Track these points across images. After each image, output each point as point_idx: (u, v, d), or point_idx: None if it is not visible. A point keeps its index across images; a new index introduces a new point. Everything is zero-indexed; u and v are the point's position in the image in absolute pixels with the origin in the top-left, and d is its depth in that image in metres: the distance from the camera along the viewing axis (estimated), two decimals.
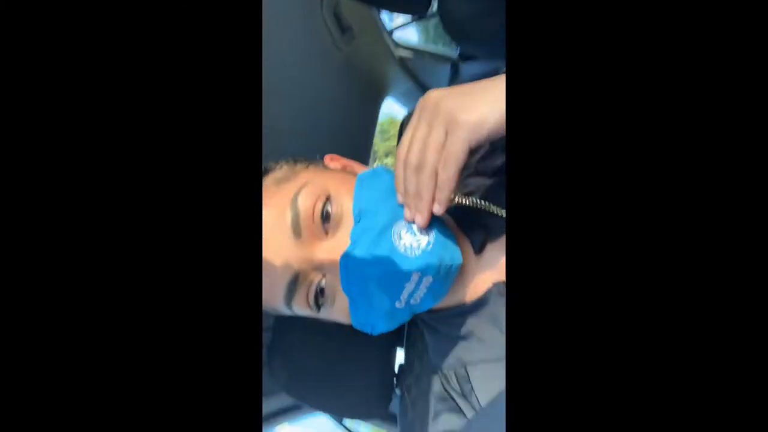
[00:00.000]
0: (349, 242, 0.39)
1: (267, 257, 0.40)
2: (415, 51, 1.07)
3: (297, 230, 0.40)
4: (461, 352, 0.45)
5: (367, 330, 0.43)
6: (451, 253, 0.40)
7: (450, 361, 0.46)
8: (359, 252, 0.38)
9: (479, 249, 0.45)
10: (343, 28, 0.81)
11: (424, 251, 0.38)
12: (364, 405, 0.60)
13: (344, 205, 0.41)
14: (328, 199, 0.41)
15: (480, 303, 0.44)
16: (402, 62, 1.06)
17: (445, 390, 0.46)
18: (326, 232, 0.41)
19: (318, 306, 0.41)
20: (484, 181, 0.48)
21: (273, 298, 0.42)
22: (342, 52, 0.81)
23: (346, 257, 0.38)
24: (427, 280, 0.39)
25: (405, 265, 0.38)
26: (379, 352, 0.61)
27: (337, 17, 0.80)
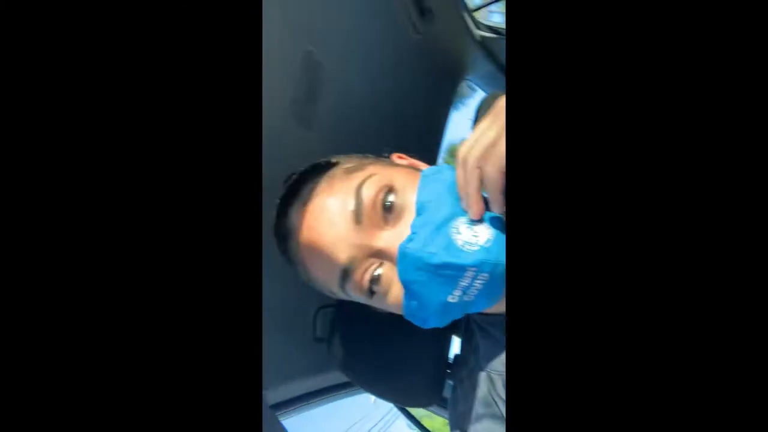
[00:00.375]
0: (409, 233, 0.40)
1: (327, 240, 0.42)
2: (498, 32, 1.02)
3: (359, 217, 0.42)
4: None
5: (419, 323, 0.44)
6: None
7: (498, 366, 0.47)
8: (417, 242, 0.39)
9: None
10: (423, 9, 0.78)
11: (481, 247, 0.39)
12: (415, 392, 0.61)
13: (407, 198, 0.43)
14: (391, 190, 0.43)
15: None
16: (483, 43, 1.01)
17: (491, 394, 0.47)
18: (387, 223, 0.43)
19: (372, 293, 0.43)
20: None
21: (329, 280, 0.45)
22: (420, 36, 0.79)
23: (405, 246, 0.40)
24: (483, 277, 0.39)
25: (461, 260, 0.38)
26: (435, 342, 0.61)
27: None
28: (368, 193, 0.43)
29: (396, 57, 0.77)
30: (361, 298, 0.45)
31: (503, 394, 0.45)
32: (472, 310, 0.43)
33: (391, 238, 0.42)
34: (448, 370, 0.62)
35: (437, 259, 0.39)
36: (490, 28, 1.02)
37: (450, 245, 0.39)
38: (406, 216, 0.43)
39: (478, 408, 0.47)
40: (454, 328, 0.62)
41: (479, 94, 1.12)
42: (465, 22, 0.94)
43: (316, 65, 0.60)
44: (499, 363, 0.47)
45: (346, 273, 0.43)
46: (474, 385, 0.51)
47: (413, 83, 0.83)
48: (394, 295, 0.43)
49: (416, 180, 0.44)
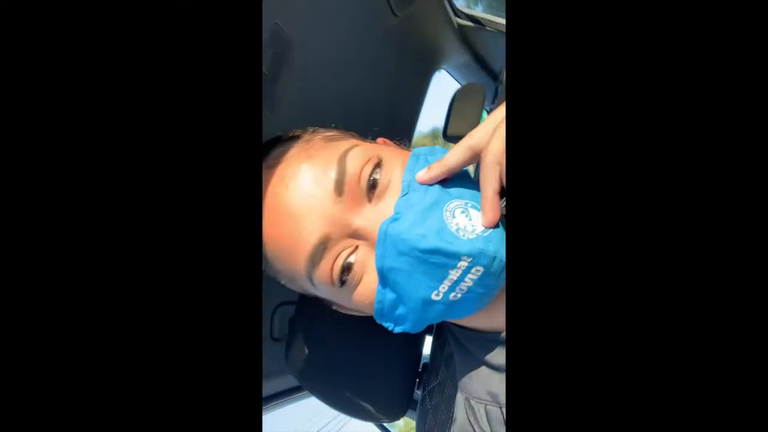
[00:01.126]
0: (389, 214, 0.35)
1: (299, 213, 0.36)
2: (477, 21, 0.99)
3: (339, 188, 0.36)
4: (494, 385, 0.41)
5: (389, 325, 0.39)
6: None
7: (478, 390, 0.43)
8: (403, 224, 0.34)
9: None
10: None
11: (479, 236, 0.34)
12: (381, 407, 0.56)
13: (394, 175, 0.37)
14: (378, 164, 0.37)
15: None
16: (462, 32, 0.98)
17: (470, 423, 0.42)
18: (369, 200, 0.37)
19: (342, 282, 0.37)
20: None
21: (295, 262, 0.37)
22: (397, 17, 0.74)
23: (387, 227, 0.34)
24: (477, 270, 0.34)
25: (454, 247, 0.33)
26: (406, 348, 0.57)
27: None
28: (353, 163, 0.36)
29: (371, 39, 0.72)
30: (327, 289, 0.38)
31: (487, 428, 0.41)
32: (454, 315, 0.38)
33: (373, 216, 0.36)
34: (418, 379, 0.58)
35: (426, 243, 0.33)
36: (469, 17, 0.99)
37: (443, 229, 0.34)
38: (391, 195, 0.37)
39: None
40: (422, 338, 0.59)
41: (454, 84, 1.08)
42: (444, 8, 0.90)
43: (284, 41, 0.55)
44: (483, 390, 0.42)
45: (317, 253, 0.36)
46: (448, 405, 0.46)
47: (387, 68, 0.78)
48: (366, 287, 0.37)
49: (405, 158, 0.38)
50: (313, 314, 0.56)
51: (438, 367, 0.52)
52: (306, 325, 0.56)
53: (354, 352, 0.55)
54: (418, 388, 0.57)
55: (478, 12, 0.99)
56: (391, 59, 0.78)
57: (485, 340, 0.42)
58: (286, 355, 0.57)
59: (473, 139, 0.34)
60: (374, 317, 0.39)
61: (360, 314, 0.43)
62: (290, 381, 0.72)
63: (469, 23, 0.98)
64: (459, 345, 0.46)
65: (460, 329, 0.45)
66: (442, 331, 0.54)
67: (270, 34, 0.53)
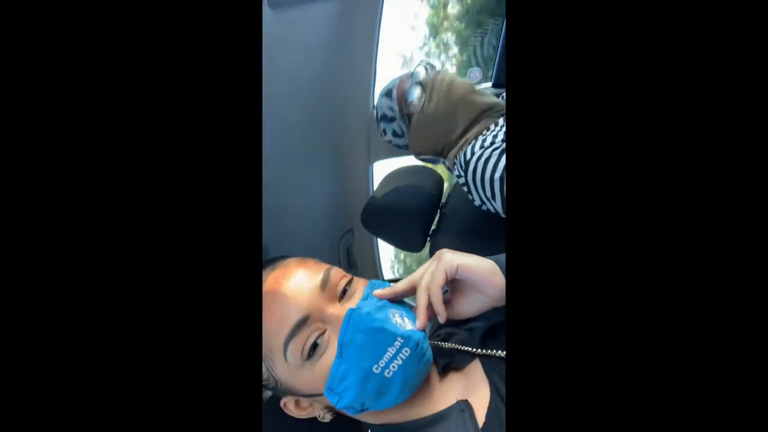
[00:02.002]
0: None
1: (291, 294, 0.50)
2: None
3: (324, 286, 0.51)
4: None
5: (333, 400, 0.50)
6: (428, 346, 0.49)
7: None
8: (363, 310, 0.49)
9: (442, 370, 0.54)
10: (351, 263, 1.05)
11: (409, 329, 0.48)
12: None
13: (358, 289, 0.53)
14: (350, 281, 0.53)
15: (440, 417, 0.50)
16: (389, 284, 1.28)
17: None
18: (339, 300, 0.52)
19: (309, 355, 0.49)
20: (461, 332, 0.60)
21: (279, 332, 0.49)
22: None
23: (352, 311, 0.48)
24: (406, 351, 0.47)
25: (393, 329, 0.47)
26: None
27: (349, 253, 1.03)
28: (335, 275, 0.52)
29: None
30: (293, 362, 0.50)
31: None
32: (384, 399, 0.49)
33: (340, 309, 0.50)
34: None
35: (375, 324, 0.47)
36: None
37: (387, 319, 0.48)
38: (354, 299, 0.52)
39: None
40: None
41: None
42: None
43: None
44: None
45: (297, 328, 0.48)
46: None
47: None
48: (325, 362, 0.49)
49: (365, 283, 0.55)
50: None
51: None
52: None
53: None
54: None
55: None
56: None
57: (410, 428, 0.52)
58: None
59: (413, 277, 0.51)
60: (324, 391, 0.50)
61: (306, 413, 0.55)
62: None
63: None
64: None
65: (383, 428, 0.55)
66: None
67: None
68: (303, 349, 0.49)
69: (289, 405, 0.55)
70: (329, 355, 0.49)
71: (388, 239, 0.97)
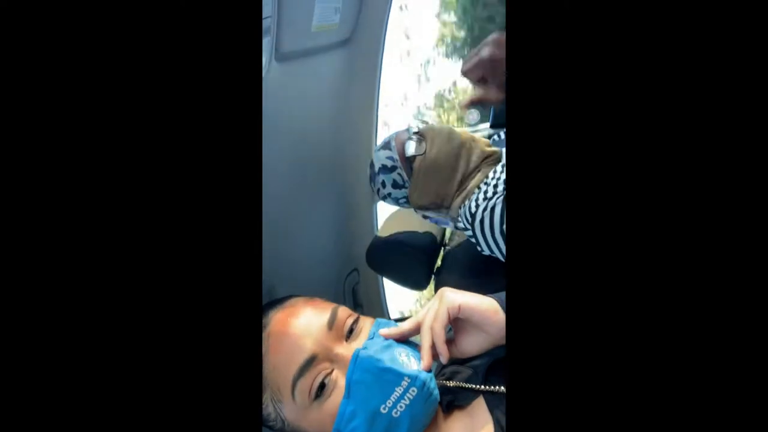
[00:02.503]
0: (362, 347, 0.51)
1: (300, 332, 0.51)
2: None
3: (331, 325, 0.52)
4: None
5: None
6: (434, 386, 0.49)
7: None
8: (370, 350, 0.49)
9: (446, 408, 0.54)
10: (356, 303, 1.08)
11: (416, 369, 0.48)
12: None
13: (365, 328, 0.54)
14: (356, 320, 0.54)
15: None
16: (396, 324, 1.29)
17: None
18: (347, 339, 0.53)
19: (317, 395, 0.49)
20: (465, 370, 0.59)
21: (287, 371, 0.50)
22: None
23: (359, 351, 0.49)
24: (413, 391, 0.47)
25: (400, 369, 0.47)
26: None
27: (354, 293, 1.05)
28: (341, 314, 0.53)
29: None
30: (301, 402, 0.50)
31: None
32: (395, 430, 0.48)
33: (348, 348, 0.51)
34: None
35: (383, 364, 0.47)
36: None
37: (394, 359, 0.48)
38: (361, 338, 0.52)
39: None
40: None
41: None
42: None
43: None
44: None
45: (304, 367, 0.49)
46: None
47: None
48: (333, 402, 0.49)
49: (372, 321, 0.56)
50: None
51: None
52: None
53: None
54: None
55: None
56: None
57: None
58: None
59: (418, 318, 0.51)
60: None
61: None
62: None
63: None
64: None
65: None
66: None
67: (266, 290, 0.74)
68: (311, 389, 0.50)
69: None
70: (337, 395, 0.50)
71: (393, 278, 0.98)
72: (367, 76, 0.98)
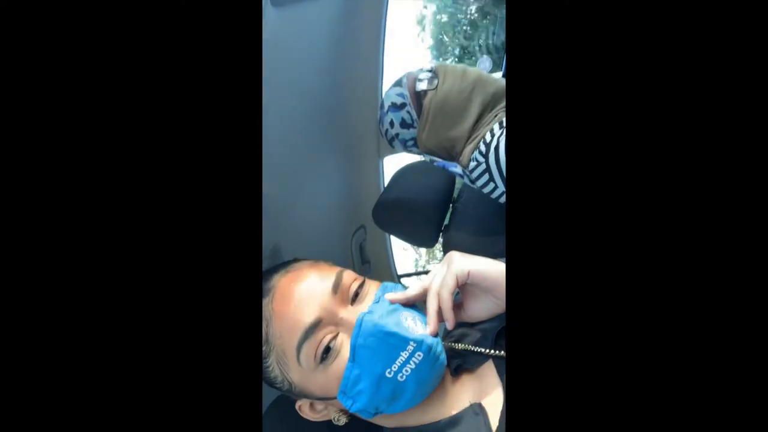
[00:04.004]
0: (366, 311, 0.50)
1: (304, 296, 0.50)
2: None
3: (336, 289, 0.51)
4: None
5: (347, 404, 0.50)
6: (441, 350, 0.49)
7: None
8: (375, 315, 0.49)
9: (455, 371, 0.54)
10: (364, 260, 1.04)
11: (421, 333, 0.48)
12: None
13: (370, 292, 0.53)
14: (362, 284, 0.53)
15: (454, 421, 0.50)
16: (403, 287, 1.27)
17: None
18: (352, 303, 0.52)
19: (322, 359, 0.49)
20: (474, 333, 0.59)
21: (292, 335, 0.49)
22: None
23: (364, 315, 0.48)
24: (418, 356, 0.47)
25: (405, 334, 0.47)
26: None
27: (361, 250, 1.02)
28: (347, 278, 0.52)
29: None
30: (307, 365, 0.50)
31: None
32: (400, 400, 0.49)
33: (353, 312, 0.50)
34: None
35: (388, 328, 0.47)
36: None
37: (399, 323, 0.48)
38: (366, 302, 0.51)
39: None
40: None
41: None
42: (393, 278, 1.19)
43: (280, 256, 0.74)
44: None
45: (309, 331, 0.48)
46: None
47: None
48: (338, 365, 0.49)
49: (378, 284, 0.55)
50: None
51: None
52: None
53: None
54: None
55: None
56: None
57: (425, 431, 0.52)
58: None
59: (424, 282, 0.51)
60: (338, 395, 0.50)
61: (320, 416, 0.54)
62: None
63: None
64: None
65: (401, 430, 0.54)
66: None
67: (271, 249, 0.72)
68: (316, 353, 0.49)
69: (304, 408, 0.56)
70: (342, 358, 0.49)
71: (400, 235, 0.96)
72: (372, 17, 0.92)
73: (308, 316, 0.49)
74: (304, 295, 0.51)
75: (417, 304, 0.53)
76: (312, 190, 0.89)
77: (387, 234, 1.09)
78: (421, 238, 0.93)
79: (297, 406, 0.56)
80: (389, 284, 0.57)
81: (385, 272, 1.15)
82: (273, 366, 0.54)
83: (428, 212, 0.91)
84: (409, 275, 1.40)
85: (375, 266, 1.07)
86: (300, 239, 0.81)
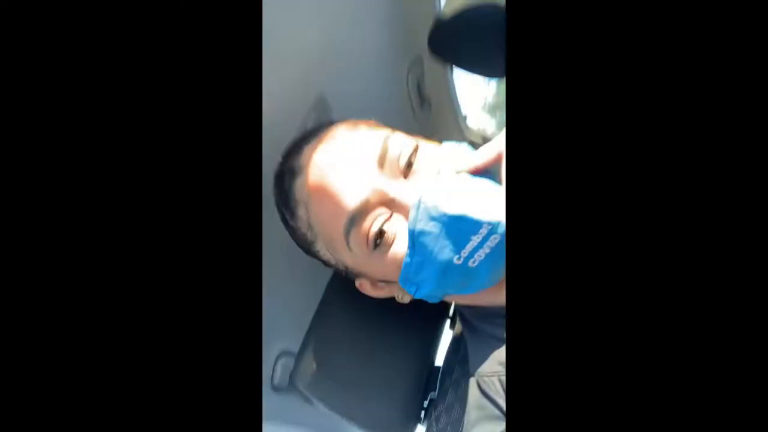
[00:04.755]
0: (421, 189, 0.41)
1: (345, 178, 0.43)
2: (485, 139, 1.11)
3: (382, 162, 0.43)
4: (504, 355, 0.44)
5: (411, 290, 0.45)
6: None
7: (492, 365, 0.46)
8: (435, 193, 0.40)
9: None
10: (423, 99, 0.88)
11: (497, 211, 0.39)
12: (387, 420, 0.58)
13: (428, 161, 0.45)
14: (415, 149, 0.45)
15: None
16: (471, 146, 1.10)
17: (485, 395, 0.45)
18: (405, 176, 0.44)
19: (375, 244, 0.43)
20: None
21: (334, 224, 0.43)
22: (418, 124, 0.87)
23: (421, 198, 0.40)
24: (494, 239, 0.39)
25: (476, 215, 0.39)
26: (414, 372, 0.60)
27: (419, 88, 0.86)
28: (395, 145, 0.44)
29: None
30: (360, 252, 0.44)
31: (502, 392, 0.44)
32: (468, 286, 0.43)
33: (407, 189, 0.42)
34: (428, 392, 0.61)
35: (454, 210, 0.39)
36: (479, 134, 1.11)
37: (467, 200, 0.40)
38: (423, 175, 0.44)
39: (471, 413, 0.46)
40: (431, 352, 0.63)
41: None
42: (458, 121, 1.02)
43: (326, 109, 0.66)
44: (495, 363, 0.46)
45: (356, 216, 0.42)
46: (461, 396, 0.51)
47: None
48: (396, 252, 0.43)
49: (434, 148, 0.46)
50: (323, 332, 0.59)
51: (452, 369, 0.56)
52: (316, 342, 0.58)
53: (363, 363, 0.58)
54: (430, 396, 0.60)
55: (488, 130, 1.12)
56: None
57: (493, 315, 0.48)
58: (294, 370, 0.58)
59: (499, 143, 0.41)
60: (399, 281, 0.45)
61: (383, 294, 0.50)
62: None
63: (478, 140, 1.08)
64: (470, 328, 0.51)
65: (470, 309, 0.51)
66: (459, 332, 0.59)
67: (316, 102, 0.64)
68: (368, 240, 0.43)
69: (365, 286, 0.52)
70: (400, 243, 0.43)
71: (463, 65, 0.80)
72: None
73: (352, 200, 0.42)
74: (342, 174, 0.43)
75: (491, 169, 0.43)
76: (357, 23, 0.74)
77: (449, 66, 0.94)
78: (490, 66, 0.76)
79: (357, 284, 0.51)
80: (451, 144, 0.48)
81: (448, 113, 1.01)
82: (323, 251, 0.49)
83: (495, 35, 0.74)
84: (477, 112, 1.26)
85: (436, 106, 0.93)
86: (348, 77, 0.69)
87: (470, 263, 0.41)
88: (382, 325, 0.59)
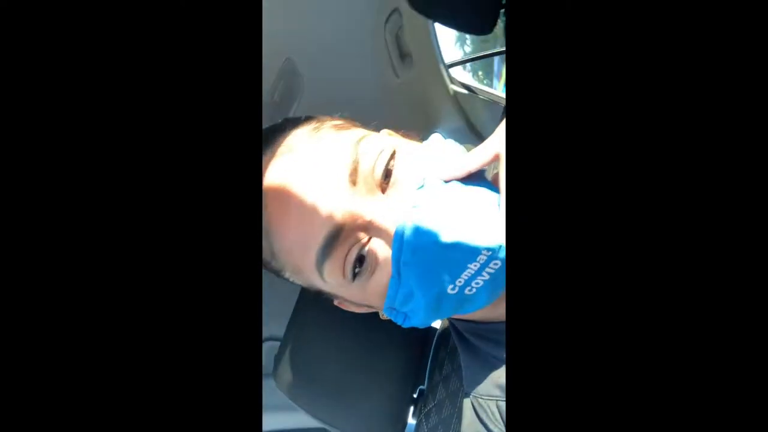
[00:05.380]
0: (404, 206, 0.34)
1: (311, 203, 0.34)
2: (470, 89, 1.06)
3: (354, 177, 0.35)
4: (504, 378, 0.39)
5: (398, 320, 0.39)
6: None
7: (488, 388, 0.40)
8: (421, 215, 0.32)
9: None
10: (403, 54, 0.81)
11: (498, 231, 0.32)
12: (374, 425, 0.55)
13: (409, 167, 0.36)
14: (392, 155, 0.36)
15: None
16: (455, 99, 1.04)
17: (480, 420, 0.40)
18: (382, 190, 0.36)
19: (354, 274, 0.36)
20: None
21: (305, 255, 0.36)
22: (399, 78, 0.82)
23: (404, 225, 0.33)
24: (495, 264, 0.33)
25: (473, 241, 0.32)
26: (400, 370, 0.57)
27: (398, 41, 0.78)
28: (367, 152, 0.35)
29: (373, 97, 0.77)
30: (336, 283, 0.37)
31: (500, 423, 0.38)
32: (465, 309, 0.37)
33: (386, 209, 0.34)
34: (419, 392, 0.57)
35: (445, 237, 0.32)
36: (464, 85, 1.06)
37: (461, 220, 0.33)
38: (403, 186, 0.35)
39: None
40: (420, 358, 0.59)
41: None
42: (441, 74, 0.97)
43: (296, 75, 0.59)
44: (492, 386, 0.40)
45: (327, 247, 0.35)
46: (453, 400, 0.47)
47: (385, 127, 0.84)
48: (378, 281, 0.36)
49: (416, 150, 0.38)
50: (302, 331, 0.56)
51: (448, 377, 0.52)
52: (295, 343, 0.55)
53: (346, 368, 0.55)
54: (413, 415, 0.57)
55: (472, 82, 1.07)
56: (389, 119, 0.84)
57: (489, 331, 0.41)
58: (275, 370, 0.55)
59: (495, 142, 0.34)
60: (384, 311, 0.38)
61: (365, 311, 0.43)
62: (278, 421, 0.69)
63: (464, 90, 1.04)
64: (463, 341, 0.44)
65: (463, 323, 0.44)
66: (439, 352, 0.53)
67: (284, 66, 0.58)
68: (344, 270, 0.36)
69: (345, 304, 0.44)
70: (382, 271, 0.36)
71: (445, 20, 0.72)
72: None
73: (321, 228, 0.34)
74: (309, 197, 0.34)
75: (486, 171, 0.36)
76: None
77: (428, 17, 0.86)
78: (473, 21, 0.68)
79: (336, 303, 0.43)
80: (436, 138, 0.39)
81: (431, 65, 0.95)
82: (293, 278, 0.41)
83: None
84: (461, 63, 1.18)
85: (418, 59, 0.85)
86: (321, 31, 0.62)
87: (467, 291, 0.35)
88: (365, 327, 0.56)
